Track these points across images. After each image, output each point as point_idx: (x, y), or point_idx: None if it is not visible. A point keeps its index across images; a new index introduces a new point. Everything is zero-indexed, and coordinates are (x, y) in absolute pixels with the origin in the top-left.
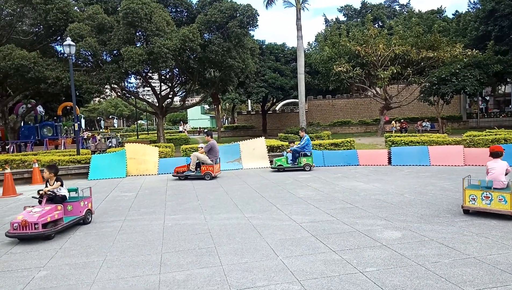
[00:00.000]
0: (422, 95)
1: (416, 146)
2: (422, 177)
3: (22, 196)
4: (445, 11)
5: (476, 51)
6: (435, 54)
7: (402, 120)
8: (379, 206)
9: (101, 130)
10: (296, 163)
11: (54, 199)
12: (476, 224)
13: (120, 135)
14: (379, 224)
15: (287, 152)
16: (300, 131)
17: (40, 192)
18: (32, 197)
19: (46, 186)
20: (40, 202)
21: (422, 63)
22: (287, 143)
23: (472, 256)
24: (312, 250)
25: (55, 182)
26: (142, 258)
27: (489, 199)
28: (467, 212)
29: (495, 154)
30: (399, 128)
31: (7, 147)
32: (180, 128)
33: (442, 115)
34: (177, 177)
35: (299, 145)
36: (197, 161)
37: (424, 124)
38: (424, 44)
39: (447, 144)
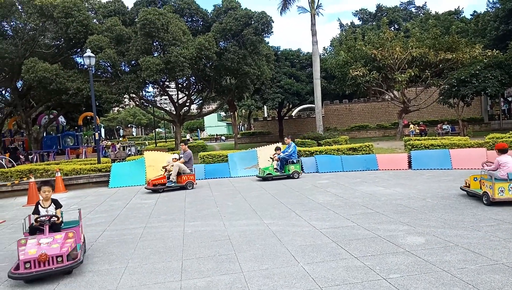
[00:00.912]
0: (441, 97)
1: (437, 149)
2: (444, 181)
3: None
4: (463, 12)
5: (497, 51)
6: (454, 55)
7: (421, 123)
8: (400, 211)
9: (120, 139)
10: (283, 171)
11: (54, 225)
12: (503, 229)
13: (139, 143)
14: (401, 229)
15: (273, 160)
16: (285, 139)
17: (41, 219)
18: (30, 227)
19: (38, 209)
20: (40, 231)
21: (440, 65)
22: (304, 148)
23: (501, 262)
24: (333, 256)
25: (52, 203)
26: (163, 264)
27: None
28: (493, 203)
29: (504, 151)
30: (418, 131)
31: (30, 157)
32: (188, 136)
33: (462, 117)
34: (153, 191)
35: (286, 153)
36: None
37: (444, 126)
38: (442, 46)
39: (469, 147)
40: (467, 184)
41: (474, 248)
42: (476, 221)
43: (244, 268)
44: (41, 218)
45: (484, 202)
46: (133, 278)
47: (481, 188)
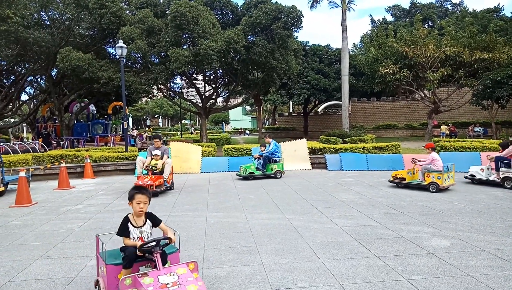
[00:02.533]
0: (474, 98)
1: (467, 152)
2: (472, 185)
3: (75, 189)
4: (503, 10)
5: None
6: (490, 55)
7: (451, 125)
8: (426, 213)
9: (146, 129)
10: (265, 170)
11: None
12: None
13: (164, 134)
14: (426, 231)
15: (254, 158)
16: (266, 138)
17: (149, 244)
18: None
19: (127, 228)
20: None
21: (475, 65)
22: (329, 145)
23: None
24: (355, 254)
25: (146, 220)
26: (185, 253)
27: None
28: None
29: (433, 148)
30: (448, 132)
31: (61, 142)
32: (192, 130)
33: (496, 120)
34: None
35: (267, 151)
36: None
37: (476, 129)
38: (478, 45)
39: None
40: (400, 176)
41: (502, 254)
42: (505, 227)
43: (264, 260)
44: (149, 244)
45: (431, 190)
46: None
47: (424, 179)
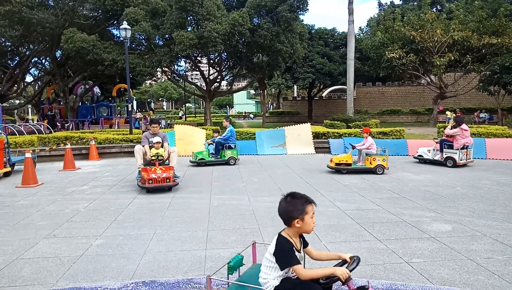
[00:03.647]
0: (481, 84)
1: (472, 138)
2: (476, 170)
3: (80, 170)
4: None
5: None
6: (499, 40)
7: (457, 110)
8: (428, 198)
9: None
10: (219, 156)
11: None
12: None
13: (169, 117)
14: (428, 216)
15: (208, 144)
16: (224, 121)
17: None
18: None
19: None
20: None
21: (483, 50)
22: (333, 130)
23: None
24: (357, 237)
25: None
26: (189, 233)
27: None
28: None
29: (371, 133)
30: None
31: (66, 124)
32: (180, 114)
33: (502, 106)
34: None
35: (222, 136)
36: None
37: (481, 115)
38: (487, 30)
39: (506, 137)
40: (345, 162)
41: (503, 239)
42: (507, 212)
43: (267, 241)
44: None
45: (378, 172)
46: (161, 244)
47: (371, 163)
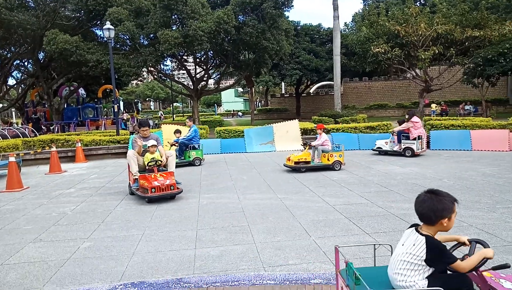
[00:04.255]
0: (465, 77)
1: (457, 130)
2: (462, 162)
3: (67, 173)
4: None
5: None
6: (481, 33)
7: (442, 103)
8: (416, 190)
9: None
10: (183, 157)
11: None
12: None
13: (156, 117)
14: None
15: (170, 145)
16: (187, 121)
17: None
18: None
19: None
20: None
21: (466, 43)
22: None
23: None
24: (345, 231)
25: None
26: (178, 233)
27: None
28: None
29: (325, 130)
30: (439, 111)
31: (52, 127)
32: (159, 114)
33: (486, 98)
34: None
35: (185, 137)
36: None
37: (466, 107)
38: (470, 23)
39: (491, 128)
40: (303, 160)
41: (488, 229)
42: (492, 202)
43: (256, 239)
44: None
45: (336, 168)
46: (150, 244)
47: (328, 160)
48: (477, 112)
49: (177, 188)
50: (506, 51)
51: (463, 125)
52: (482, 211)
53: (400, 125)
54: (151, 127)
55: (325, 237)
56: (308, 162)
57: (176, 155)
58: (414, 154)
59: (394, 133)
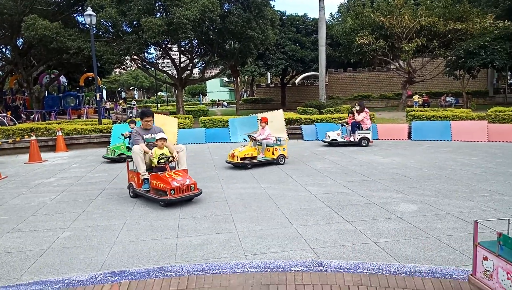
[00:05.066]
0: (447, 69)
1: (438, 121)
2: (442, 152)
3: (47, 163)
4: None
5: (509, 23)
6: (464, 25)
7: (424, 95)
8: (396, 179)
9: (120, 101)
10: None
11: None
12: (495, 200)
13: (140, 106)
14: (395, 197)
15: (124, 137)
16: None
17: None
18: None
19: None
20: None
21: (449, 35)
22: (305, 116)
23: (489, 231)
24: (327, 220)
25: None
26: (160, 223)
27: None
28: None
29: (267, 122)
30: (421, 102)
31: (31, 116)
32: (107, 104)
33: (467, 90)
34: None
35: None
36: None
37: (448, 98)
38: (452, 15)
39: (470, 119)
40: (250, 155)
41: (465, 216)
42: (470, 191)
43: (239, 228)
44: None
45: (280, 162)
46: (131, 234)
47: (273, 154)
48: (458, 104)
49: (197, 189)
50: (486, 44)
51: (444, 116)
52: (460, 200)
53: (353, 115)
54: (132, 115)
55: (306, 226)
56: (254, 158)
57: (129, 148)
58: (368, 144)
59: (348, 125)
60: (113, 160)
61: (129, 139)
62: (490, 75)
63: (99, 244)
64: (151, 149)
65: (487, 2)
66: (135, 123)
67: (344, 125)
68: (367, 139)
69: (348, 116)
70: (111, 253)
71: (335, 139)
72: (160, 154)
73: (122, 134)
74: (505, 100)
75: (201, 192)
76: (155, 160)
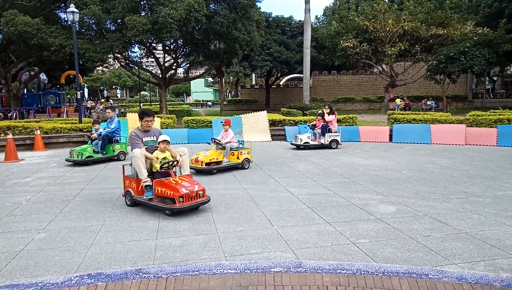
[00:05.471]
0: (428, 73)
1: (418, 124)
2: (421, 155)
3: (24, 162)
4: None
5: (487, 29)
6: (445, 31)
7: (406, 98)
8: (376, 181)
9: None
10: (105, 152)
11: None
12: (471, 201)
13: (123, 106)
14: (375, 198)
15: (92, 139)
16: (109, 111)
17: None
18: None
19: None
20: None
21: (430, 40)
22: (289, 117)
23: (464, 231)
24: (307, 221)
25: None
26: (139, 223)
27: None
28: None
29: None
30: (403, 106)
31: (9, 114)
32: (88, 103)
33: (447, 94)
34: None
35: (109, 129)
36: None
37: (428, 102)
38: (434, 21)
39: (449, 123)
40: (215, 160)
41: (442, 218)
42: (447, 193)
43: (219, 229)
44: None
45: (245, 166)
46: (109, 235)
47: (238, 158)
48: (438, 108)
49: (206, 195)
50: (466, 49)
51: (424, 119)
52: (437, 201)
53: (322, 118)
54: (116, 113)
55: (287, 227)
56: (220, 162)
57: (98, 150)
58: (338, 146)
59: (318, 127)
60: (79, 164)
61: (100, 142)
62: (470, 80)
63: (76, 245)
64: (151, 152)
65: (468, 9)
66: (99, 123)
67: (313, 128)
68: (337, 142)
69: (317, 118)
70: (88, 254)
71: (308, 142)
72: (163, 158)
73: (88, 136)
74: (483, 105)
75: (209, 200)
76: (157, 165)
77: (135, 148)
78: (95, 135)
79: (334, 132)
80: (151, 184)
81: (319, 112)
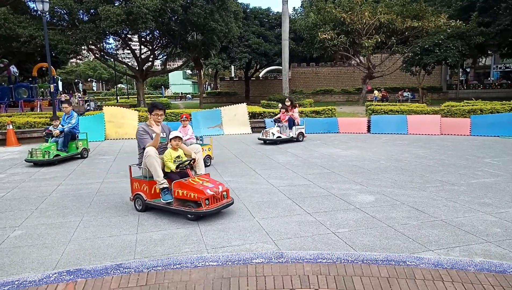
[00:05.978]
0: (404, 65)
1: (395, 115)
2: (399, 145)
3: None
4: None
5: (460, 22)
6: (420, 23)
7: (383, 90)
8: (355, 172)
9: (76, 93)
10: (67, 150)
11: None
12: (446, 190)
13: (99, 99)
14: (354, 188)
15: (51, 136)
16: (65, 106)
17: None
18: None
19: None
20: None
21: (406, 33)
22: (269, 109)
23: (440, 219)
24: (288, 212)
25: None
26: (119, 218)
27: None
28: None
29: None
30: (380, 97)
31: None
32: (63, 96)
33: (423, 85)
34: None
35: (72, 125)
36: None
37: (404, 94)
38: (410, 13)
39: (425, 114)
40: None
41: (418, 206)
42: (423, 182)
43: (200, 222)
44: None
45: (207, 163)
46: (88, 231)
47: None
48: (414, 99)
49: (230, 196)
50: (440, 42)
51: (401, 110)
52: (414, 190)
53: (286, 111)
54: (91, 108)
55: (268, 218)
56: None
57: (61, 148)
58: (303, 138)
59: (285, 120)
60: (41, 164)
61: (63, 138)
62: (444, 71)
63: (54, 242)
64: (162, 151)
65: (441, 2)
66: (58, 119)
67: (279, 122)
68: (302, 134)
69: (280, 111)
70: (66, 251)
71: (280, 137)
72: (176, 157)
73: (47, 133)
74: (457, 96)
75: (233, 202)
76: (171, 165)
77: (144, 145)
78: (57, 131)
79: (299, 124)
80: (167, 186)
81: (279, 105)
